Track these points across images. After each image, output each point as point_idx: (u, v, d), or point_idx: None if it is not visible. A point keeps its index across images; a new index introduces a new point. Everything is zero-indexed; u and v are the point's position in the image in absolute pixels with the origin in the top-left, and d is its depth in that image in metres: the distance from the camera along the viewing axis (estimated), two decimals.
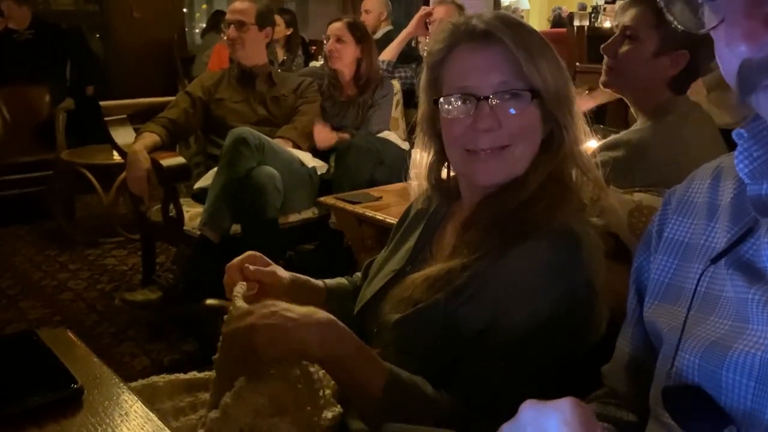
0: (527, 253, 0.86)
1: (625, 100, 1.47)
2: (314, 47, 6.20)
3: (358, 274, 1.22)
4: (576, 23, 4.77)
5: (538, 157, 0.93)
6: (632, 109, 1.47)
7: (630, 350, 0.73)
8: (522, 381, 0.82)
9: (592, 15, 5.25)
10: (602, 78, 1.45)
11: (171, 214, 2.50)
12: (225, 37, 2.75)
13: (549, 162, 0.91)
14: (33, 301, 2.83)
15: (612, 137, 1.40)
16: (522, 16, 8.34)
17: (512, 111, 0.90)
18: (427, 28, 3.32)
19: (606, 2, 5.75)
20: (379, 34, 3.89)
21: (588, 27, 4.56)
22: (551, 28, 7.81)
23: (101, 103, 2.80)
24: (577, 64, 3.49)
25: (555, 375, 0.84)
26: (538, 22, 9.58)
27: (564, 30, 5.93)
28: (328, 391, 0.87)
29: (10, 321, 2.63)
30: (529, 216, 0.88)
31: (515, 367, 0.83)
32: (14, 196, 3.83)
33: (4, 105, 4.21)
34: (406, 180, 2.32)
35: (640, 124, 1.44)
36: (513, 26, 0.92)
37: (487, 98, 0.90)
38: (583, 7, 6.26)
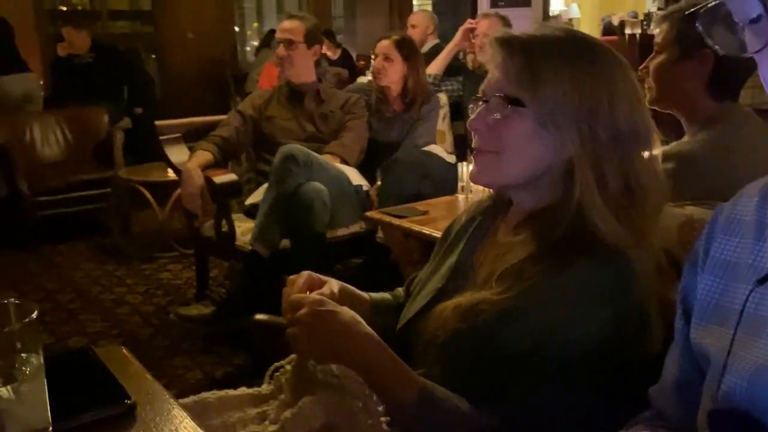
0: (575, 275, 0.84)
1: (675, 114, 1.44)
2: (362, 62, 6.27)
3: (400, 289, 1.23)
4: (627, 31, 4.69)
5: (568, 178, 0.91)
6: (682, 122, 1.44)
7: (677, 371, 0.71)
8: (568, 402, 0.81)
9: (644, 22, 5.15)
10: (647, 98, 1.43)
11: (223, 230, 2.56)
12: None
13: (576, 186, 0.88)
14: (92, 314, 2.93)
15: (661, 149, 1.37)
16: (571, 25, 8.25)
17: (497, 116, 0.91)
18: (472, 42, 3.32)
19: (659, 9, 5.64)
20: (426, 48, 3.91)
21: (640, 34, 4.47)
22: (602, 36, 7.69)
23: (156, 122, 2.90)
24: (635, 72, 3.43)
25: (603, 397, 0.82)
26: (589, 31, 9.44)
27: (615, 38, 5.84)
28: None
29: (70, 334, 2.73)
30: (575, 237, 0.87)
31: (562, 388, 0.82)
32: (75, 213, 3.99)
33: (66, 126, 4.41)
34: (452, 193, 2.35)
35: (688, 136, 1.41)
36: (531, 37, 0.92)
37: (485, 100, 0.92)
38: (634, 15, 6.15)
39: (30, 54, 5.16)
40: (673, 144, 1.39)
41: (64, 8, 6.79)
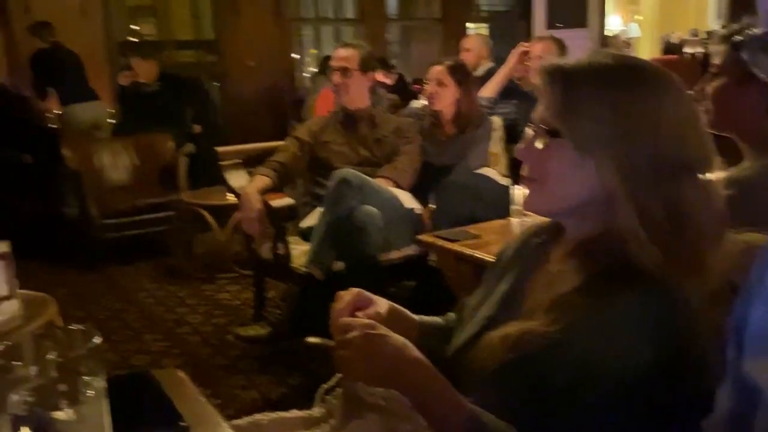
0: (619, 308, 0.83)
1: (733, 138, 1.40)
2: (417, 86, 6.32)
3: (452, 314, 1.23)
4: (687, 50, 4.58)
5: (609, 208, 0.90)
6: (741, 147, 1.40)
7: (730, 404, 0.69)
8: None
9: (705, 41, 5.02)
10: (707, 123, 1.39)
11: (280, 252, 2.62)
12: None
13: (617, 217, 0.87)
14: (155, 333, 3.04)
15: (723, 174, 1.34)
16: (630, 45, 8.12)
17: (539, 145, 0.92)
18: (527, 65, 3.31)
19: (722, 26, 5.49)
20: (480, 71, 3.92)
21: (701, 54, 4.36)
22: (663, 55, 7.53)
23: (217, 148, 3.00)
24: (690, 92, 3.35)
25: (653, 429, 0.81)
26: (650, 50, 9.25)
27: (675, 57, 5.71)
28: None
29: (134, 352, 2.83)
30: (619, 269, 0.86)
31: (609, 421, 0.81)
32: (140, 235, 4.16)
33: (133, 151, 4.60)
34: (505, 217, 2.33)
35: (748, 161, 1.36)
36: (573, 66, 0.92)
37: (533, 130, 0.93)
38: (694, 33, 6.00)
39: (101, 83, 5.45)
40: (733, 169, 1.35)
41: (134, 39, 7.13)
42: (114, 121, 5.23)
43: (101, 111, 5.00)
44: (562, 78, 0.91)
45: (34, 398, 0.57)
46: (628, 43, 8.05)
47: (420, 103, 3.95)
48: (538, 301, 0.92)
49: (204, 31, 6.71)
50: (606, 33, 6.79)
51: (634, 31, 10.07)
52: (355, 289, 1.07)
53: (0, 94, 4.67)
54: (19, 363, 0.58)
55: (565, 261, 0.95)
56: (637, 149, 0.87)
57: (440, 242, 2.12)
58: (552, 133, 0.91)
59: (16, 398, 0.57)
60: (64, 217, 4.59)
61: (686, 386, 0.82)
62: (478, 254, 1.94)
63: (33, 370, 0.58)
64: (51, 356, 0.58)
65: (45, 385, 0.57)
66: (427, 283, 2.66)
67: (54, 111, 4.67)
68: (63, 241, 4.29)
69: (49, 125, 4.70)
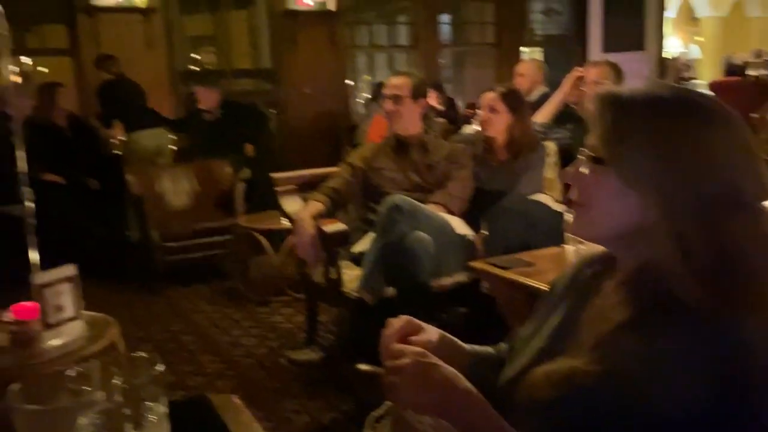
0: (665, 346, 0.81)
1: None
2: (470, 110, 6.33)
3: (504, 345, 1.22)
4: (750, 72, 4.45)
5: (652, 242, 0.88)
6: None
7: None
8: None
9: None
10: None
11: (332, 277, 2.65)
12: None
13: (659, 252, 0.86)
14: (211, 355, 3.10)
15: None
16: (690, 66, 7.93)
17: (585, 171, 0.92)
18: (581, 90, 3.28)
19: None
20: (534, 96, 3.91)
21: (764, 76, 4.22)
22: (725, 77, 7.31)
23: (273, 174, 3.07)
24: (754, 115, 3.25)
25: None
26: (711, 72, 9.01)
27: (737, 78, 5.54)
28: None
29: (190, 374, 2.90)
30: (665, 305, 0.84)
31: None
32: (199, 258, 4.28)
33: (193, 177, 4.76)
34: (560, 244, 2.30)
35: None
36: (626, 96, 0.91)
37: (583, 154, 0.94)
38: (758, 54, 5.81)
39: (164, 110, 5.67)
40: None
41: (195, 68, 7.41)
42: (175, 148, 5.42)
43: (163, 138, 5.19)
44: (613, 106, 0.91)
45: (102, 421, 0.60)
46: (688, 65, 7.86)
47: (472, 128, 3.95)
48: (588, 336, 0.91)
49: (262, 60, 6.91)
50: (665, 55, 6.65)
51: (695, 52, 9.84)
52: (406, 317, 1.08)
53: (70, 122, 4.91)
54: (89, 388, 0.61)
55: (615, 293, 0.93)
56: (683, 185, 0.85)
57: (493, 269, 2.11)
58: (598, 161, 0.91)
59: (86, 421, 0.60)
60: (127, 241, 4.78)
61: (745, 424, 0.80)
62: (532, 282, 1.92)
63: (100, 395, 0.61)
64: (117, 382, 0.61)
65: (111, 409, 0.60)
66: (479, 311, 2.64)
67: (119, 138, 4.88)
68: (125, 264, 4.45)
69: (114, 152, 4.92)
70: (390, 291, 2.44)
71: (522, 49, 7.92)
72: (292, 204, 2.94)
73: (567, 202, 0.99)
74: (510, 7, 7.80)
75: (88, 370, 0.64)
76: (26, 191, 2.24)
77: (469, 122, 4.79)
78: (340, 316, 3.00)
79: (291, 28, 6.51)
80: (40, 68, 6.75)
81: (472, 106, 6.00)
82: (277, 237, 3.84)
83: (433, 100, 6.41)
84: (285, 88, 6.64)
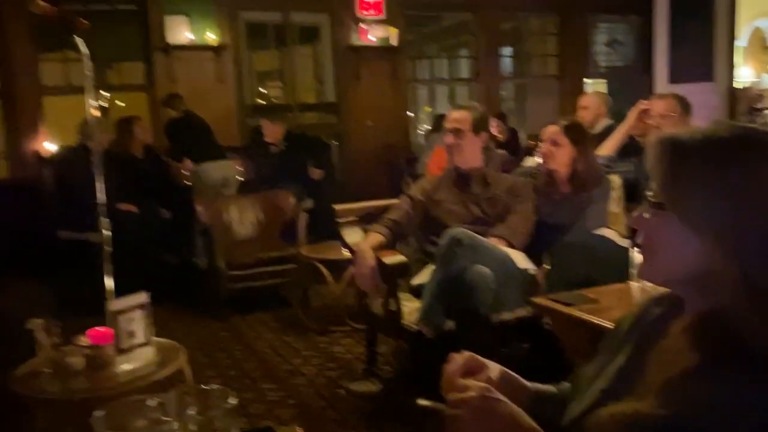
0: (734, 393, 0.79)
1: None
2: (531, 142, 6.29)
3: (566, 383, 1.20)
4: None
5: (718, 286, 0.86)
6: None
7: None
8: None
9: None
10: None
11: (391, 309, 2.66)
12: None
13: (726, 296, 0.83)
14: (271, 383, 3.15)
15: None
16: (763, 96, 7.63)
17: (648, 216, 0.92)
18: (647, 123, 3.22)
19: None
20: (597, 129, 3.86)
21: None
22: None
23: (335, 206, 3.13)
24: None
25: None
26: None
27: None
28: None
29: (252, 401, 2.95)
30: (734, 350, 0.81)
31: None
32: (262, 287, 4.37)
33: (259, 207, 4.89)
34: (625, 281, 2.24)
35: None
36: (687, 138, 0.90)
37: (646, 199, 0.93)
38: None
39: (232, 143, 5.88)
40: None
41: (262, 102, 7.66)
42: (241, 179, 5.59)
43: (229, 170, 5.37)
44: (671, 150, 0.90)
45: None
46: (761, 95, 7.57)
47: (534, 161, 3.92)
48: (653, 379, 0.89)
49: (326, 94, 7.08)
50: (735, 86, 6.45)
51: (767, 82, 9.47)
52: (469, 352, 1.08)
53: (146, 154, 5.16)
54: (166, 417, 0.64)
55: (682, 337, 0.91)
56: (748, 226, 0.83)
57: (555, 305, 2.08)
58: (659, 206, 0.90)
59: None
60: (195, 268, 4.93)
61: None
62: (596, 320, 1.88)
63: (176, 425, 0.64)
64: (191, 412, 0.64)
65: None
66: (541, 347, 2.59)
67: (188, 170, 5.08)
68: (193, 291, 4.59)
69: (185, 182, 5.11)
70: (450, 325, 2.43)
71: (585, 80, 7.84)
72: (352, 235, 2.99)
73: (636, 245, 0.99)
74: (572, 38, 7.76)
75: (165, 400, 0.67)
76: (104, 221, 2.35)
77: (531, 154, 4.76)
78: (400, 349, 3.01)
79: (354, 63, 6.67)
80: (117, 102, 7.13)
81: (534, 137, 5.96)
82: (338, 267, 3.89)
83: (494, 129, 6.41)
84: (347, 120, 6.78)
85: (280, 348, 3.64)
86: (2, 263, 4.24)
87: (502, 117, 6.58)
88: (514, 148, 6.13)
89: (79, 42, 2.27)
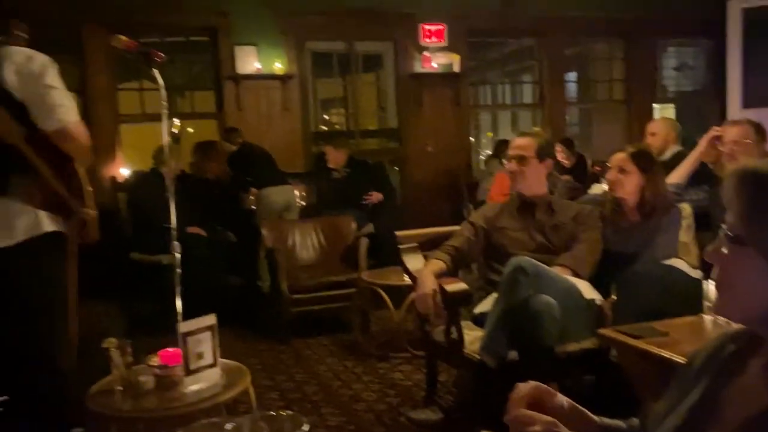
0: None
1: None
2: (597, 168, 6.17)
3: (636, 419, 1.17)
4: None
5: None
6: None
7: None
8: None
9: None
10: None
11: (452, 337, 2.64)
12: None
13: None
14: (332, 408, 3.16)
15: None
16: None
17: (725, 251, 0.89)
18: (719, 150, 3.12)
19: None
20: (667, 156, 3.76)
21: None
22: None
23: (396, 232, 3.15)
24: None
25: None
26: None
27: None
28: None
29: (313, 426, 2.95)
30: None
31: None
32: (323, 311, 4.42)
33: (321, 232, 4.96)
34: (697, 313, 2.16)
35: None
36: (764, 172, 0.87)
37: (723, 233, 0.90)
38: None
39: (297, 168, 6.02)
40: None
41: (325, 128, 7.82)
42: (304, 203, 5.70)
43: (291, 195, 5.48)
44: (751, 183, 0.88)
45: None
46: None
47: (600, 187, 3.85)
48: (730, 418, 0.86)
49: (388, 120, 7.17)
50: None
51: None
52: (534, 382, 1.06)
53: (218, 179, 5.34)
54: None
55: (762, 374, 0.88)
56: None
57: (622, 337, 2.02)
58: (737, 240, 0.87)
59: None
60: (258, 291, 5.03)
61: None
62: (666, 354, 1.82)
63: None
64: None
65: None
66: (608, 380, 2.52)
67: (252, 196, 5.22)
68: (256, 313, 4.68)
69: (250, 207, 5.25)
70: (513, 355, 2.40)
71: (653, 105, 7.67)
72: (414, 261, 2.99)
73: (712, 280, 0.95)
74: (640, 63, 7.61)
75: (239, 424, 0.69)
76: (175, 244, 2.43)
77: (597, 181, 4.67)
78: (461, 377, 2.97)
79: (416, 89, 6.73)
80: (188, 129, 7.43)
81: (600, 164, 5.85)
82: (399, 293, 3.89)
83: (560, 155, 6.33)
84: (409, 146, 6.83)
85: (341, 372, 3.66)
86: (78, 284, 4.45)
87: (568, 143, 6.49)
88: (581, 175, 6.03)
89: (156, 74, 2.39)
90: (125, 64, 5.88)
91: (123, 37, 2.33)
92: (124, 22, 5.69)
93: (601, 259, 2.74)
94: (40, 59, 2.11)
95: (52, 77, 2.11)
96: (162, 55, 2.38)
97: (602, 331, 2.18)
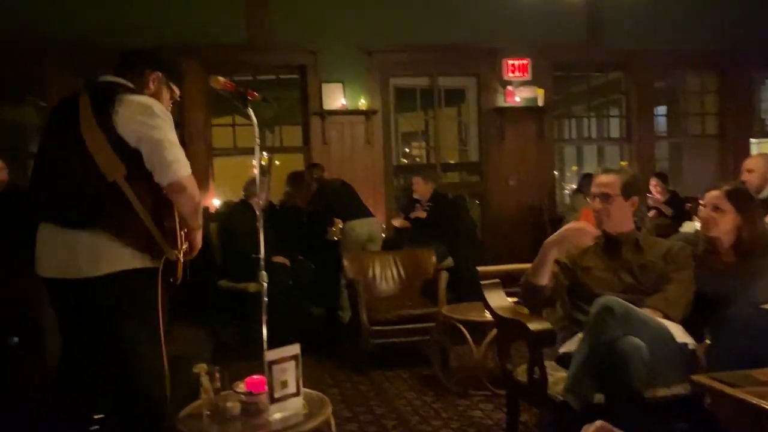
0: None
1: None
2: (689, 204, 5.93)
3: None
4: None
5: None
6: None
7: None
8: None
9: None
10: None
11: (535, 376, 2.59)
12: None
13: None
14: None
15: None
16: None
17: None
18: None
19: None
20: (765, 193, 3.58)
21: None
22: None
23: (478, 268, 3.13)
24: None
25: None
26: None
27: None
28: None
29: None
30: None
31: None
32: (402, 344, 4.43)
33: (401, 264, 5.00)
34: None
35: None
36: None
37: None
38: None
39: (379, 201, 6.12)
40: None
41: (405, 161, 7.91)
42: (384, 235, 5.77)
43: (375, 227, 5.56)
44: None
45: None
46: None
47: (692, 225, 3.71)
48: None
49: (469, 154, 7.18)
50: None
51: None
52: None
53: (304, 211, 5.51)
54: None
55: None
56: None
57: (717, 385, 1.92)
58: None
59: None
60: (339, 321, 5.11)
61: None
62: (765, 404, 1.71)
63: None
64: None
65: None
66: (701, 429, 2.39)
67: (336, 227, 5.33)
68: (336, 343, 4.75)
69: (333, 238, 5.36)
70: (599, 398, 2.32)
71: (750, 141, 7.32)
72: (496, 298, 2.96)
73: None
74: (735, 96, 7.30)
75: None
76: (263, 273, 2.52)
77: (689, 218, 4.49)
78: (544, 419, 2.89)
79: (499, 123, 6.73)
80: (275, 162, 7.71)
81: (692, 200, 5.62)
82: (479, 329, 3.85)
83: (654, 189, 6.13)
84: (490, 180, 6.80)
85: (420, 408, 3.64)
86: (169, 310, 4.66)
87: (662, 177, 6.29)
88: (678, 212, 5.81)
89: (251, 112, 2.51)
90: (219, 100, 6.20)
91: (221, 78, 2.47)
92: (220, 62, 6.04)
93: (695, 301, 2.62)
94: (156, 110, 2.20)
95: (168, 130, 2.20)
96: (257, 95, 2.51)
97: (696, 377, 2.07)
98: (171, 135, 2.21)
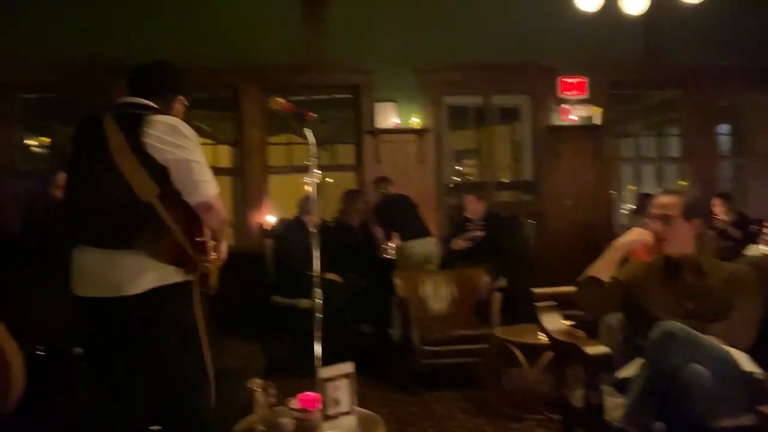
0: None
1: None
2: (754, 226, 5.70)
3: None
4: None
5: None
6: None
7: None
8: None
9: None
10: None
11: (592, 401, 2.51)
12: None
13: None
14: None
15: None
16: None
17: None
18: None
19: None
20: None
21: None
22: None
23: (533, 289, 3.08)
24: None
25: None
26: None
27: None
28: None
29: None
30: None
31: None
32: (454, 364, 4.37)
33: (453, 284, 4.96)
34: None
35: None
36: None
37: None
38: None
39: (431, 219, 6.09)
40: None
41: (457, 179, 7.88)
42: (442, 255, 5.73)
43: (432, 246, 5.53)
44: None
45: None
46: None
47: (759, 249, 3.56)
48: None
49: (524, 173, 7.09)
50: None
51: None
52: None
53: (358, 228, 5.54)
54: None
55: None
56: None
57: None
58: None
59: None
60: (389, 340, 5.09)
61: None
62: None
63: None
64: None
65: None
66: None
67: (393, 245, 5.33)
68: (386, 362, 4.73)
69: (386, 256, 5.36)
70: (659, 426, 2.24)
71: None
72: (551, 320, 2.90)
73: None
74: None
75: None
76: (317, 290, 2.54)
77: (754, 241, 4.32)
78: None
79: (554, 142, 6.64)
80: (327, 180, 7.79)
81: (758, 222, 5.40)
82: (533, 351, 3.78)
83: (718, 209, 5.90)
84: (545, 199, 6.70)
85: (472, 430, 3.59)
86: (224, 324, 4.74)
87: (726, 197, 6.06)
88: (747, 235, 5.59)
89: (307, 132, 2.56)
90: (275, 118, 6.33)
91: (280, 99, 2.53)
92: (276, 82, 6.17)
93: (762, 328, 2.51)
94: (184, 131, 2.25)
95: (195, 150, 2.25)
96: (314, 115, 2.55)
97: (763, 408, 1.98)
98: (198, 155, 2.26)
